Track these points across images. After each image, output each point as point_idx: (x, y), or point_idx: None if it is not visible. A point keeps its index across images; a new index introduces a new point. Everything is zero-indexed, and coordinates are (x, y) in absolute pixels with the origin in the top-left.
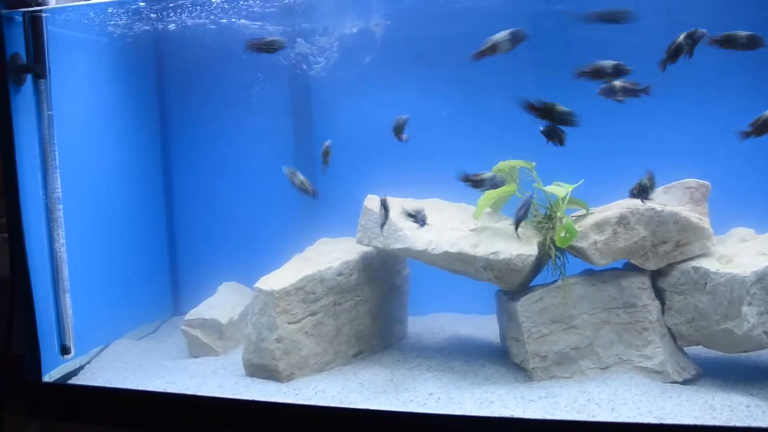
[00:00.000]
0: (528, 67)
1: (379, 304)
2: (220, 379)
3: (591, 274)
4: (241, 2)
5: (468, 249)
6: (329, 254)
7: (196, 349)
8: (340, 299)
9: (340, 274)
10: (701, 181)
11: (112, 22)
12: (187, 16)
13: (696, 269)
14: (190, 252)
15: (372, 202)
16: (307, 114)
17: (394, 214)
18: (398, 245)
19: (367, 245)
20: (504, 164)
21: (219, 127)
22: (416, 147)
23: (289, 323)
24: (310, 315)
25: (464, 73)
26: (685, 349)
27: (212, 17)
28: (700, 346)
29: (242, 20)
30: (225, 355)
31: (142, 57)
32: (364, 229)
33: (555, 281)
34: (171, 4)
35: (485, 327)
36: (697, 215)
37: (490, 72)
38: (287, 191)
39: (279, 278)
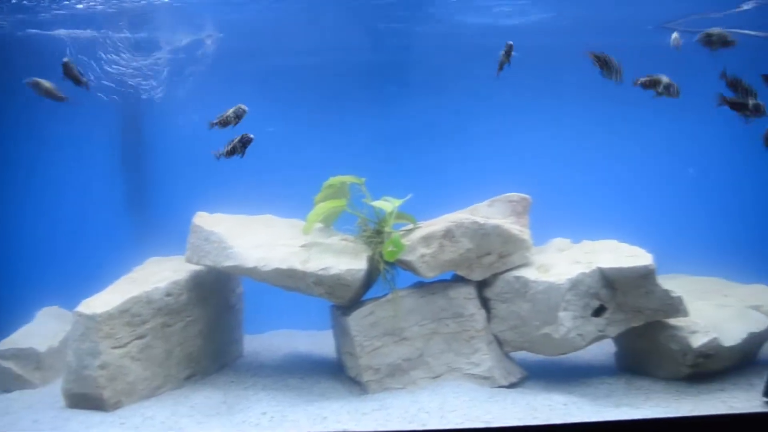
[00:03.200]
0: (362, 85)
1: (211, 323)
2: (36, 413)
3: (420, 287)
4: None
5: (298, 265)
6: (158, 274)
7: (9, 383)
8: (169, 320)
9: (168, 295)
10: (523, 195)
11: None
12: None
13: (517, 278)
14: (6, 276)
15: (201, 219)
16: (136, 128)
17: (224, 230)
18: (228, 263)
19: (197, 264)
20: (335, 180)
21: (40, 140)
22: (249, 164)
23: (114, 348)
24: (137, 338)
25: (298, 90)
26: (513, 354)
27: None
28: (525, 351)
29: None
30: (44, 386)
31: None
32: (194, 248)
33: (386, 295)
34: None
35: (323, 342)
36: (518, 227)
37: (323, 90)
38: (116, 209)
39: (102, 301)
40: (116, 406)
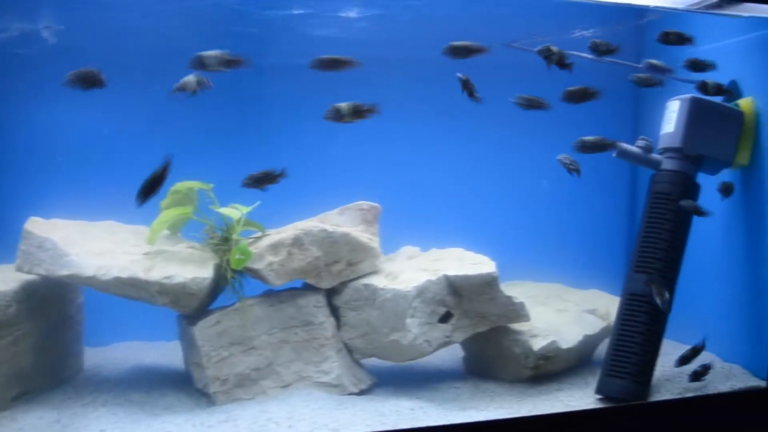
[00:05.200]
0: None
1: (46, 337)
2: None
3: (269, 295)
4: None
5: (140, 274)
6: None
7: None
8: None
9: None
10: (373, 204)
11: None
12: None
13: (366, 286)
14: None
15: (34, 225)
16: None
17: (60, 236)
18: (64, 272)
19: (29, 273)
20: (181, 185)
21: None
22: (88, 166)
23: None
24: None
25: (143, 91)
26: (363, 361)
27: None
28: (375, 358)
29: None
30: None
31: None
32: (25, 255)
33: (233, 303)
34: None
35: (171, 354)
36: (368, 235)
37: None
38: None
39: None
40: None
